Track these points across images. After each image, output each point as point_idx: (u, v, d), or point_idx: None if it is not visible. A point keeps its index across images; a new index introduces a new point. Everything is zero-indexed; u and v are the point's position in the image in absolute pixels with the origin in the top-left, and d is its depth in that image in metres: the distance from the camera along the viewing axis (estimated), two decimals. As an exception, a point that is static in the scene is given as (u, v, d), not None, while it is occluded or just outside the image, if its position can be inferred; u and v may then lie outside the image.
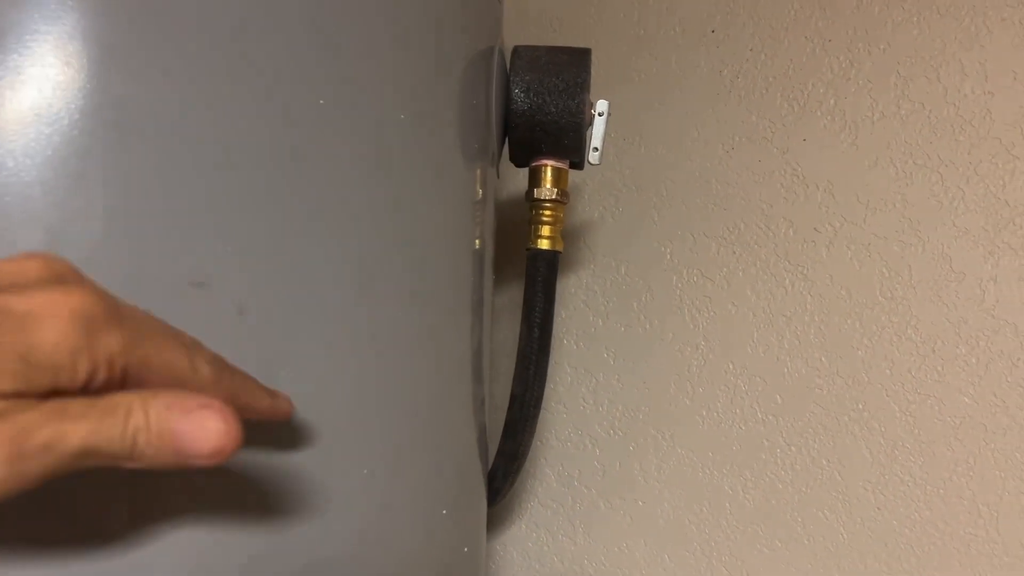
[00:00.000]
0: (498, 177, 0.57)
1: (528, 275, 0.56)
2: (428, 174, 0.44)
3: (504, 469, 0.58)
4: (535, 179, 0.55)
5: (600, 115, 0.54)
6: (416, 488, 0.45)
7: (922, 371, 0.64)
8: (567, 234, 0.76)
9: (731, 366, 0.70)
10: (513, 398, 0.57)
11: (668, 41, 0.73)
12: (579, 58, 0.52)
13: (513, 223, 0.71)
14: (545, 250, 0.55)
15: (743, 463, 0.70)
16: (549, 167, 0.55)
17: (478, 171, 0.50)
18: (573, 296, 0.76)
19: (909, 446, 0.64)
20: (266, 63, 0.36)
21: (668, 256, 0.72)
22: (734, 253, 0.70)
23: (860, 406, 0.66)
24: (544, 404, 0.76)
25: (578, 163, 0.56)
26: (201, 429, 0.23)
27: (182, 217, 0.34)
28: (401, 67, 0.41)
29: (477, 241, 0.50)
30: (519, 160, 0.56)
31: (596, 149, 0.55)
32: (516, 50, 0.53)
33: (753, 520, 0.69)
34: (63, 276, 0.23)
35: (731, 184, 0.70)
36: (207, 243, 0.34)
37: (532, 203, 0.56)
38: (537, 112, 0.52)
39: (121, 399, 0.22)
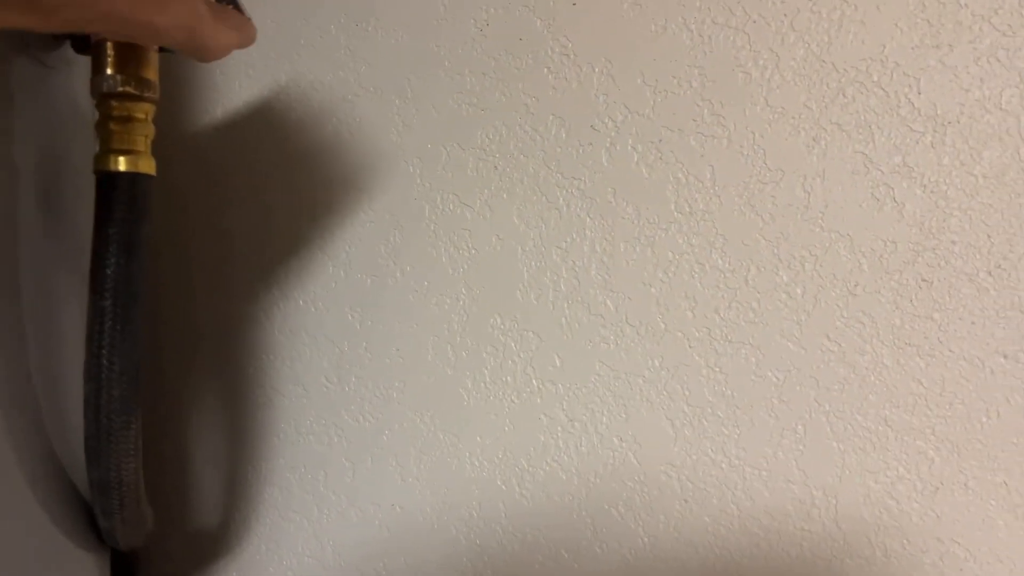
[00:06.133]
0: (47, 66, 0.39)
1: (96, 212, 0.37)
2: None
3: (103, 505, 0.39)
4: (96, 64, 0.37)
5: None
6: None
7: (732, 310, 0.46)
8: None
9: (498, 320, 0.52)
10: (86, 404, 0.38)
11: None
12: None
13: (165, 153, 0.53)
14: (121, 173, 0.37)
15: (518, 448, 0.52)
16: (110, 43, 0.36)
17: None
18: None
19: (721, 413, 0.47)
20: None
21: (418, 179, 0.54)
22: (496, 168, 0.52)
23: (657, 362, 0.48)
24: (278, 387, 0.58)
25: None
26: None
27: None
28: None
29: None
30: (72, 41, 0.37)
31: None
32: None
33: (533, 524, 0.52)
34: None
35: (487, 74, 0.51)
36: None
37: (97, 101, 0.37)
38: None
39: None
